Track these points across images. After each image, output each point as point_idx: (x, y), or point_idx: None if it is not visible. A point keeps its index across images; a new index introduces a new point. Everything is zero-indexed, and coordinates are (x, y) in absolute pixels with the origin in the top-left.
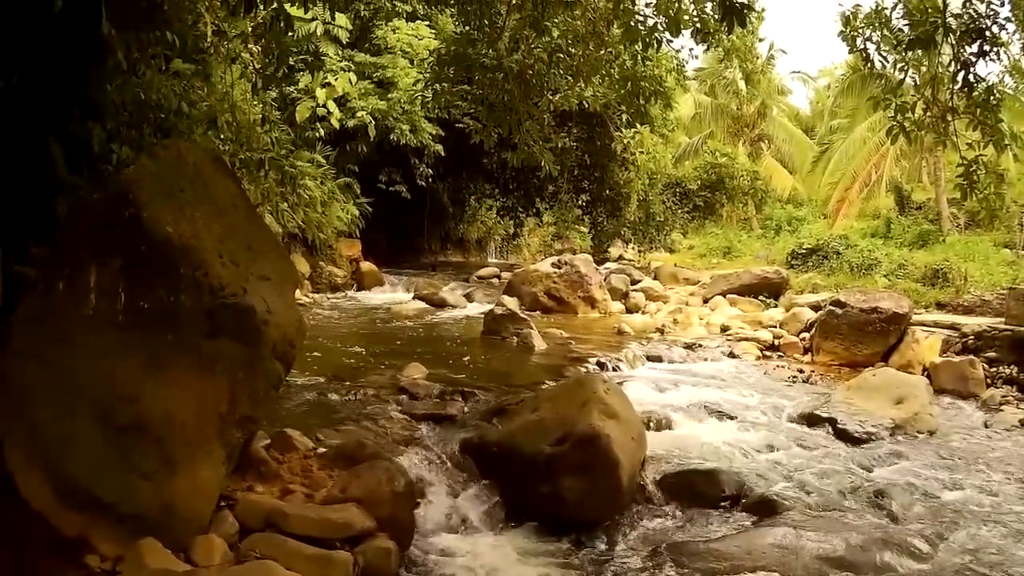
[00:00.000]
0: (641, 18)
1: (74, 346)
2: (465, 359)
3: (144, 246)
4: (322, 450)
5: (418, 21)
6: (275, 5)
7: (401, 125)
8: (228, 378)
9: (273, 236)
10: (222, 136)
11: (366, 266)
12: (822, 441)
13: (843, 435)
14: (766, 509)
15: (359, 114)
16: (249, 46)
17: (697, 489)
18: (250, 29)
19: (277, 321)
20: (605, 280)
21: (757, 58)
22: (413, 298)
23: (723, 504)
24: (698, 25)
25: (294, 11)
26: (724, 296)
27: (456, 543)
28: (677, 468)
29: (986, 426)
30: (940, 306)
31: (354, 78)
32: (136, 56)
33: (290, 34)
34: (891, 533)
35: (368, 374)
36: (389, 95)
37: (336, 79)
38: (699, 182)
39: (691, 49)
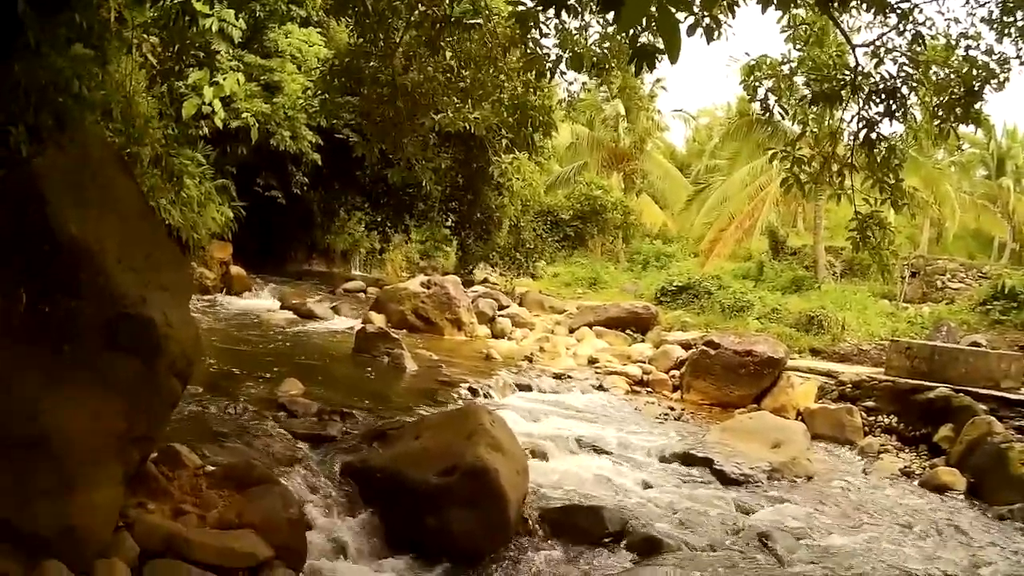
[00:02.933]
0: (545, 51)
1: None
2: (339, 376)
3: (48, 246)
4: (210, 468)
5: (311, 27)
6: None
7: (283, 131)
8: (126, 395)
9: (171, 242)
10: (111, 127)
11: (235, 270)
12: (699, 481)
13: (720, 476)
14: (650, 547)
15: (243, 115)
16: (149, 37)
17: (581, 525)
18: (151, 19)
19: (176, 335)
20: (472, 303)
21: (641, 98)
22: (281, 307)
23: (606, 541)
24: (596, 62)
25: (199, 6)
26: (591, 327)
27: (338, 571)
28: (558, 503)
29: (865, 473)
30: (815, 352)
31: (242, 79)
32: (46, 37)
33: (193, 29)
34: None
35: (244, 387)
36: (274, 99)
37: (225, 78)
38: (572, 212)
39: (584, 83)
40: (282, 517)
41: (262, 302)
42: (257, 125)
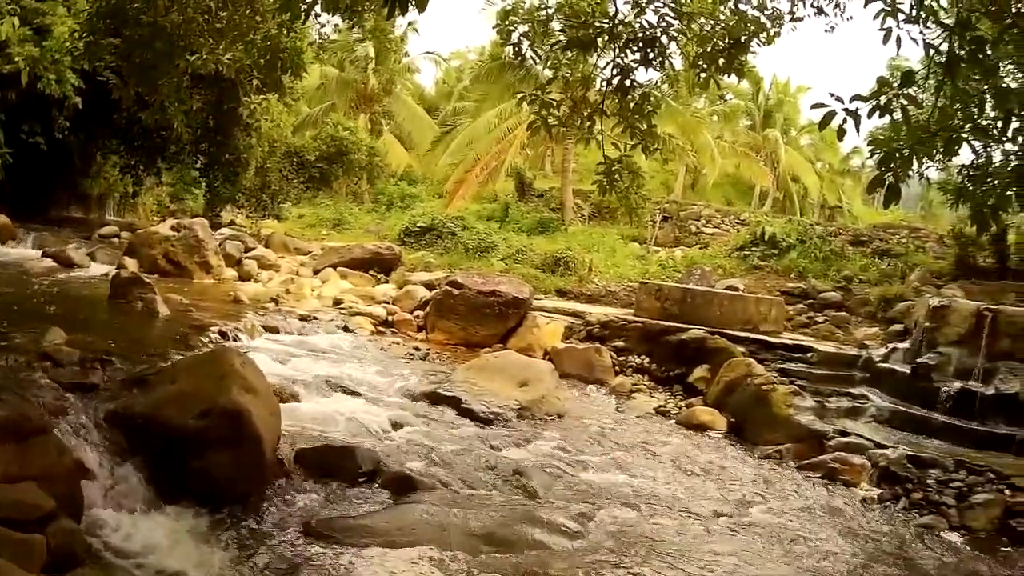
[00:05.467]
0: None
1: None
2: (98, 323)
3: None
4: None
5: None
6: None
7: (49, 75)
8: None
9: None
10: None
11: (1, 219)
12: (448, 419)
13: (468, 414)
14: (405, 486)
15: (16, 60)
16: None
17: (334, 464)
18: None
19: None
20: (220, 246)
21: (393, 41)
22: (43, 255)
23: (361, 480)
24: (350, 4)
25: None
26: (335, 269)
27: (113, 520)
28: (311, 443)
29: (618, 411)
30: (562, 294)
31: (17, 23)
32: None
33: None
34: (536, 511)
35: (12, 337)
36: (44, 42)
37: (2, 23)
38: (318, 153)
39: (336, 25)
40: (60, 468)
41: (25, 251)
42: (28, 69)
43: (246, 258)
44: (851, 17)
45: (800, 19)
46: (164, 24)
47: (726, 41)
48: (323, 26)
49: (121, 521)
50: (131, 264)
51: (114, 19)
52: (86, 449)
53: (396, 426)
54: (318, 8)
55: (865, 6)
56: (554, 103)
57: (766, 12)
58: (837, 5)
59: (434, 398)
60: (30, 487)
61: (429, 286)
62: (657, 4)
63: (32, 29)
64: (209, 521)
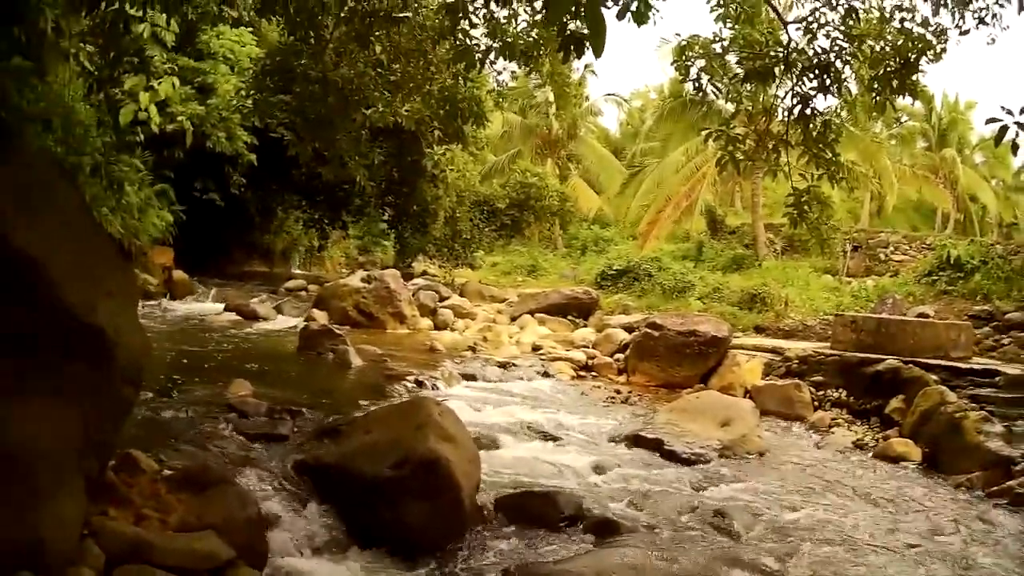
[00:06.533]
0: (475, 42)
1: None
2: (286, 375)
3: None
4: (168, 472)
5: (242, 27)
6: (116, 5)
7: (218, 132)
8: (83, 404)
9: (113, 248)
10: (53, 137)
11: (178, 274)
12: (650, 462)
13: (671, 456)
14: (607, 530)
15: (179, 119)
16: (85, 46)
17: (535, 511)
18: (87, 28)
19: (125, 342)
20: (413, 296)
21: (571, 84)
22: (225, 309)
23: (563, 525)
24: (525, 50)
25: (132, 12)
26: (532, 315)
27: (300, 569)
28: (512, 490)
29: (818, 447)
30: (759, 330)
31: (177, 82)
32: None
33: (127, 36)
34: (737, 552)
35: (194, 390)
36: (208, 101)
37: (160, 83)
38: (508, 201)
39: (513, 72)
40: (240, 517)
41: (206, 305)
42: (192, 128)
43: (441, 307)
44: (1007, 27)
45: (967, 32)
46: (335, 79)
47: (896, 61)
48: (499, 73)
49: (309, 570)
50: (320, 316)
51: (282, 76)
52: (273, 499)
53: (598, 470)
54: (493, 56)
55: (1019, 13)
56: (739, 137)
57: (930, 28)
58: (994, 16)
59: (636, 441)
60: (207, 536)
61: (628, 329)
62: (827, 29)
63: (195, 88)
64: (401, 570)
